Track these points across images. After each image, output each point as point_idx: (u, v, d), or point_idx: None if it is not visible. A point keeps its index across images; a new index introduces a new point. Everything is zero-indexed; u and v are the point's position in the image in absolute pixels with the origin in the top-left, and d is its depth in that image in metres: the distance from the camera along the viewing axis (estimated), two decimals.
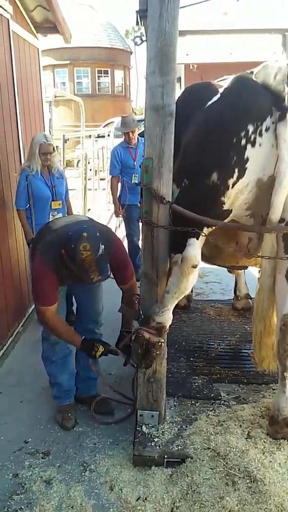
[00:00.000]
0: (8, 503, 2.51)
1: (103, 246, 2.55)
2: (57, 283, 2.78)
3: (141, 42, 2.56)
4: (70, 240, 2.56)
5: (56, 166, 4.32)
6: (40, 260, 2.79)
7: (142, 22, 2.69)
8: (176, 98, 2.52)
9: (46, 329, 3.10)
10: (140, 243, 2.81)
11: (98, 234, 2.62)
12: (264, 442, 2.74)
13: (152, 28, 2.30)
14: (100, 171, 12.13)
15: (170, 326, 2.80)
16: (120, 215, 5.89)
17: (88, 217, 3.28)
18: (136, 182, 5.29)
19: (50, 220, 3.84)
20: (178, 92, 2.95)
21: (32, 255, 2.98)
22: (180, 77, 14.98)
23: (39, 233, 3.11)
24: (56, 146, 4.74)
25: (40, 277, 2.78)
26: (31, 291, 4.80)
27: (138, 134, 5.75)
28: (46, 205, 4.25)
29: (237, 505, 2.38)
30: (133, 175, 5.62)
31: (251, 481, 2.48)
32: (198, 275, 6.19)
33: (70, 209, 4.72)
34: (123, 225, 6.01)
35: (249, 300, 4.57)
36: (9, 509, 2.47)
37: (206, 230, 2.49)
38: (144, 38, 2.54)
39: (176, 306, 4.22)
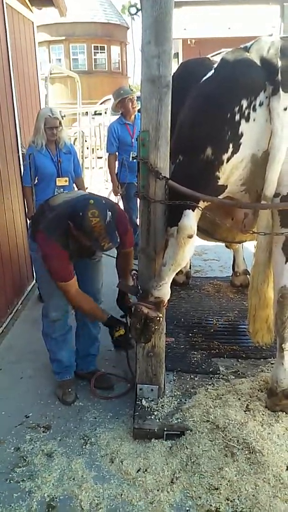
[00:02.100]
0: (10, 475, 2.55)
1: (110, 213, 2.56)
2: (68, 257, 2.77)
3: (136, 11, 2.51)
4: (77, 209, 2.56)
5: (64, 141, 4.23)
6: (45, 239, 2.76)
7: None
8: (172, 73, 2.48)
9: (45, 307, 3.11)
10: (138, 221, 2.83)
11: (103, 201, 2.67)
12: (263, 414, 2.78)
13: None
14: (97, 149, 11.99)
15: (169, 302, 2.81)
16: (119, 193, 5.84)
17: (88, 193, 3.25)
18: (133, 156, 5.20)
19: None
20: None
21: (32, 233, 2.94)
22: (177, 53, 14.76)
23: (39, 211, 3.05)
24: None
25: (50, 255, 2.75)
26: (29, 269, 4.81)
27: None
28: (50, 181, 4.18)
29: (235, 476, 2.42)
30: (131, 152, 5.54)
31: (250, 452, 2.52)
32: (197, 253, 6.17)
33: (82, 188, 4.58)
34: (121, 203, 5.96)
35: (248, 276, 4.57)
36: (12, 481, 2.51)
37: (202, 204, 2.48)
38: (139, 7, 2.48)
39: (175, 283, 4.25)
